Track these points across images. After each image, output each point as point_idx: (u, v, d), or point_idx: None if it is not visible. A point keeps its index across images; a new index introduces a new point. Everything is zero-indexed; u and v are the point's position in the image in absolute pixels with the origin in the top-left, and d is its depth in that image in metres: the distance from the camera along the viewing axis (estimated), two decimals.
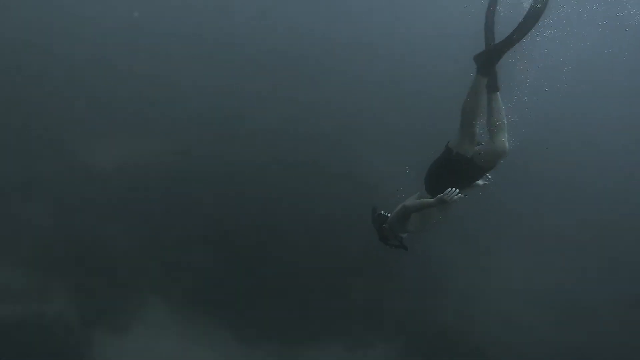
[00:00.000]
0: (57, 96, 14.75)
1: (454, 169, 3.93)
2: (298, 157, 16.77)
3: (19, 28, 15.15)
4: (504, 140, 3.80)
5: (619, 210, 23.72)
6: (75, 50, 15.51)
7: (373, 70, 18.98)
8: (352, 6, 19.34)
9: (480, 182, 4.26)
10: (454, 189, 3.66)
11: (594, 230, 21.52)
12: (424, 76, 17.27)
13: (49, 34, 15.38)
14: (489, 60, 3.62)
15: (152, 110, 15.86)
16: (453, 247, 17.22)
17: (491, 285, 17.25)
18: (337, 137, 20.03)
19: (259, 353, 11.63)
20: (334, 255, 13.15)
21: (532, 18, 3.47)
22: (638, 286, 19.07)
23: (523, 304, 17.05)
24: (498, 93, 3.83)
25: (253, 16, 18.01)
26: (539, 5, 3.41)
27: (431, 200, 3.83)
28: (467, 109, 3.77)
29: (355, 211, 13.19)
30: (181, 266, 12.23)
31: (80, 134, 15.63)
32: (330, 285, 12.80)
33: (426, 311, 14.24)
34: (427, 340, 13.22)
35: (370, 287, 13.52)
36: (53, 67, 15.08)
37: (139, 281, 11.81)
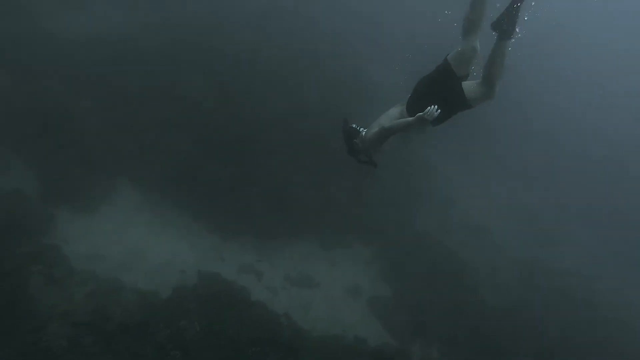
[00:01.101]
0: None
1: (442, 87, 3.85)
2: (293, 46, 15.71)
3: None
4: (496, 89, 3.74)
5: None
6: None
7: None
8: None
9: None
10: (434, 106, 3.61)
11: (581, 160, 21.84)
12: None
13: None
14: None
15: None
16: (437, 155, 16.88)
17: (470, 195, 17.22)
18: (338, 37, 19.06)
19: (232, 245, 11.25)
20: (316, 152, 12.51)
21: None
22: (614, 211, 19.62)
23: (502, 220, 17.19)
24: (507, 42, 3.58)
25: None
26: None
27: (411, 119, 3.77)
28: (466, 18, 3.72)
29: (344, 108, 12.43)
30: (156, 150, 11.39)
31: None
32: (310, 182, 12.28)
33: (405, 216, 14.03)
34: (403, 244, 13.10)
35: (351, 189, 13.07)
36: None
37: (109, 161, 10.97)
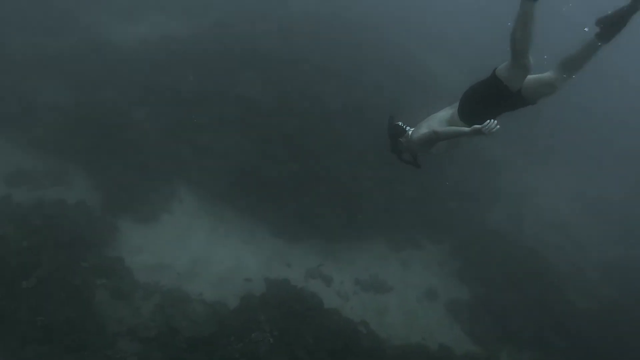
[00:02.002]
0: None
1: (496, 100, 3.60)
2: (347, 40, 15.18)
3: None
4: (564, 81, 3.46)
5: None
6: None
7: None
8: None
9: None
10: (493, 121, 3.30)
11: None
12: None
13: None
14: None
15: None
16: (504, 149, 15.78)
17: (543, 191, 16.00)
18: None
19: (297, 250, 10.63)
20: (381, 148, 11.67)
21: None
22: None
23: (576, 212, 15.80)
24: (600, 44, 3.26)
25: None
26: None
27: (466, 129, 3.49)
28: (515, 38, 3.31)
29: (407, 103, 11.63)
30: (215, 153, 10.97)
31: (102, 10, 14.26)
32: (376, 179, 11.50)
33: (475, 213, 12.98)
34: (476, 243, 12.06)
35: (419, 185, 12.18)
36: None
37: (167, 167, 10.64)
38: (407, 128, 4.23)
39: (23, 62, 11.82)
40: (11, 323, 7.14)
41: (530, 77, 3.52)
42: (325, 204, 10.70)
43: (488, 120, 3.31)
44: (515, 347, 10.17)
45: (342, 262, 10.77)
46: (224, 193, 10.77)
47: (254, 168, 10.57)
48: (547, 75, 3.51)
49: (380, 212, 11.38)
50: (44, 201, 9.55)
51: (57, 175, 10.37)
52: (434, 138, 3.78)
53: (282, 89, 12.19)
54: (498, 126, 3.31)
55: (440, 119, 3.93)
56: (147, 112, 11.02)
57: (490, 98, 3.62)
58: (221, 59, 12.49)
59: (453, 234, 12.15)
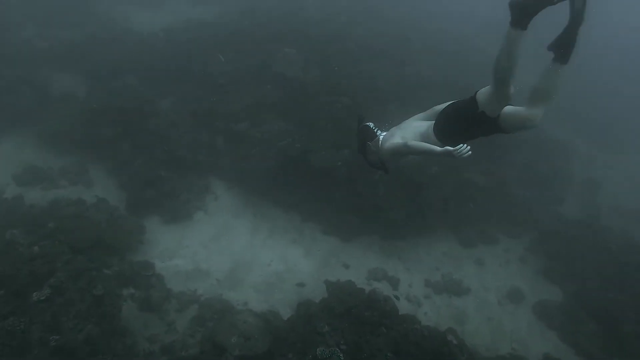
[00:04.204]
0: None
1: (472, 123, 3.45)
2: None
3: None
4: (541, 113, 3.25)
5: None
6: None
7: None
8: None
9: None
10: (466, 146, 3.20)
11: None
12: None
13: None
14: (525, 8, 2.97)
15: None
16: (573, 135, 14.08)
17: (617, 180, 14.13)
18: None
19: (355, 248, 9.02)
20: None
21: None
22: None
23: None
24: (564, 67, 3.05)
25: None
26: None
27: (438, 150, 3.36)
28: (499, 67, 3.15)
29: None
30: (251, 142, 9.49)
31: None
32: (440, 167, 9.85)
33: (549, 202, 11.19)
34: (559, 234, 10.27)
35: (486, 171, 10.49)
36: None
37: (199, 161, 9.24)
38: (379, 132, 4.09)
39: (37, 53, 10.70)
40: (19, 344, 5.66)
41: (509, 108, 3.35)
42: (384, 195, 9.06)
43: (461, 145, 3.20)
44: (628, 357, 8.26)
45: (407, 261, 9.10)
46: (265, 187, 9.28)
47: (299, 157, 8.99)
48: (522, 110, 3.31)
49: (447, 203, 9.69)
50: (60, 201, 8.18)
51: (75, 172, 9.07)
52: (404, 151, 3.64)
53: (327, 66, 10.67)
54: (470, 152, 3.18)
55: (414, 131, 3.77)
56: (173, 99, 9.65)
57: (466, 121, 3.49)
58: (254, 37, 11.10)
59: (531, 226, 10.36)
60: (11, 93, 9.71)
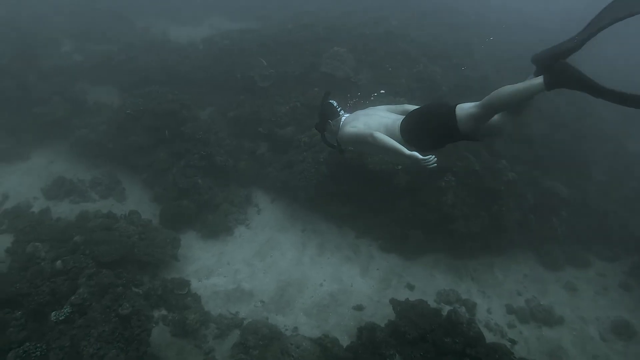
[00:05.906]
0: None
1: (443, 134, 3.34)
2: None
3: None
4: (511, 123, 3.23)
5: None
6: None
7: None
8: None
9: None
10: (434, 157, 3.20)
11: None
12: None
13: None
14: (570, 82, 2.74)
15: None
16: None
17: None
18: None
19: (418, 267, 7.71)
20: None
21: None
22: None
23: None
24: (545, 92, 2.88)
25: None
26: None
27: (405, 152, 3.24)
28: (502, 97, 3.00)
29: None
30: (301, 149, 8.51)
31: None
32: (518, 172, 8.55)
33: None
34: None
35: (568, 179, 9.10)
36: None
37: (239, 171, 8.30)
38: (342, 112, 3.95)
39: (74, 67, 10.31)
40: None
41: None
42: (452, 205, 7.78)
43: (430, 156, 3.18)
44: None
45: (482, 282, 7.69)
46: (314, 198, 8.17)
47: (353, 161, 7.89)
48: (494, 119, 3.19)
49: (527, 216, 8.31)
50: (88, 213, 7.36)
51: (106, 183, 8.32)
52: (368, 141, 3.44)
53: (379, 66, 9.71)
54: (435, 165, 3.18)
55: (380, 121, 3.59)
56: (212, 105, 8.85)
57: (437, 130, 3.33)
58: (299, 39, 10.34)
59: (631, 247, 8.78)
60: (44, 105, 9.22)
